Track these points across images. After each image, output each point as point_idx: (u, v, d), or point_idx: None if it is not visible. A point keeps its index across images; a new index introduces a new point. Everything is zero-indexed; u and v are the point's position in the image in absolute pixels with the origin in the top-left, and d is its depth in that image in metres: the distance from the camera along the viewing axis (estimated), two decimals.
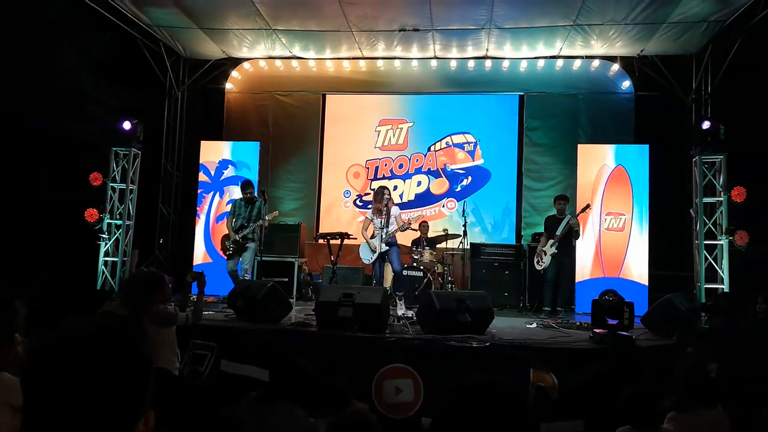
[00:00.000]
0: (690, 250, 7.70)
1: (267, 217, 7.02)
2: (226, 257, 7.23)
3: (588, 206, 7.42)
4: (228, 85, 9.82)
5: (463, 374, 1.38)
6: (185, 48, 9.26)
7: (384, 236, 6.81)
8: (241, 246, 7.13)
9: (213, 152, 8.95)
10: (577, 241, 7.48)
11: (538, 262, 7.34)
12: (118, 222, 8.24)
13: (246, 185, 7.32)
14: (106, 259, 8.11)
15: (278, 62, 9.64)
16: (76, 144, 8.00)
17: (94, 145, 8.25)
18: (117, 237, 8.21)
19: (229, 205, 8.61)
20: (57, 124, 7.83)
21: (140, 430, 0.93)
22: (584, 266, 7.91)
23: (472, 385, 1.29)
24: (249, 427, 2.93)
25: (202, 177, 8.90)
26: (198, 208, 8.85)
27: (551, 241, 7.18)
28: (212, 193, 8.87)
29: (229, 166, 8.87)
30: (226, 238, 7.29)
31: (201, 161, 8.93)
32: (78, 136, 7.91)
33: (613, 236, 7.94)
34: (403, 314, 6.25)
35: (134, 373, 0.92)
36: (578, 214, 7.34)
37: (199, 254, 8.77)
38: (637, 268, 7.82)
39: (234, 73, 9.78)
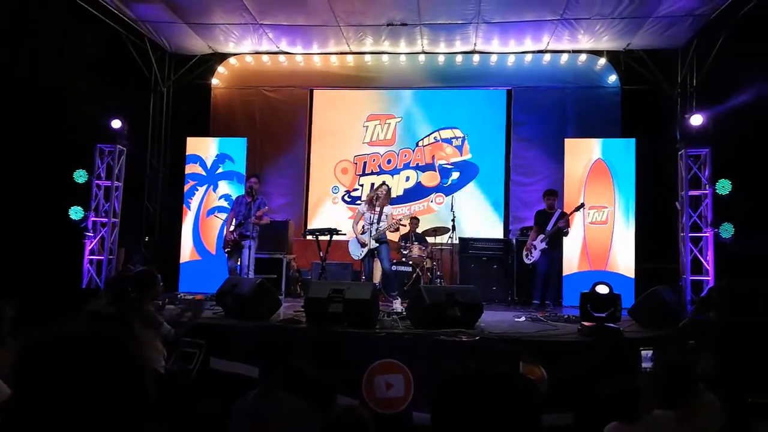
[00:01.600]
0: (676, 242, 7.78)
1: (257, 214, 6.99)
2: (226, 255, 7.19)
3: (582, 205, 7.44)
4: (214, 81, 9.73)
5: (456, 366, 1.38)
6: (170, 43, 9.15)
7: (374, 233, 6.78)
8: (238, 243, 7.07)
9: (200, 148, 8.87)
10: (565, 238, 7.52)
11: (527, 256, 7.38)
12: (104, 220, 8.15)
13: (250, 177, 7.37)
14: (92, 257, 8.02)
15: (265, 57, 9.56)
16: (60, 141, 7.88)
17: (78, 142, 8.14)
18: (102, 235, 8.13)
19: (222, 200, 8.56)
20: (39, 121, 7.71)
21: None
22: (571, 260, 7.96)
23: (470, 373, 1.28)
24: (244, 422, 2.91)
25: (197, 169, 8.78)
26: (189, 200, 8.75)
27: (541, 236, 7.22)
28: (206, 186, 8.77)
29: (226, 160, 8.77)
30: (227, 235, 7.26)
31: (197, 153, 8.82)
32: (61, 132, 7.79)
33: (597, 229, 8.00)
34: (393, 309, 6.27)
35: (130, 374, 0.90)
36: (571, 213, 7.36)
37: (186, 251, 8.69)
38: (623, 260, 7.89)
39: (220, 69, 9.70)
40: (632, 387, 2.86)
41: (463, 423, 1.24)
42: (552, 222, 7.21)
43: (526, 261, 7.39)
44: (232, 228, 7.12)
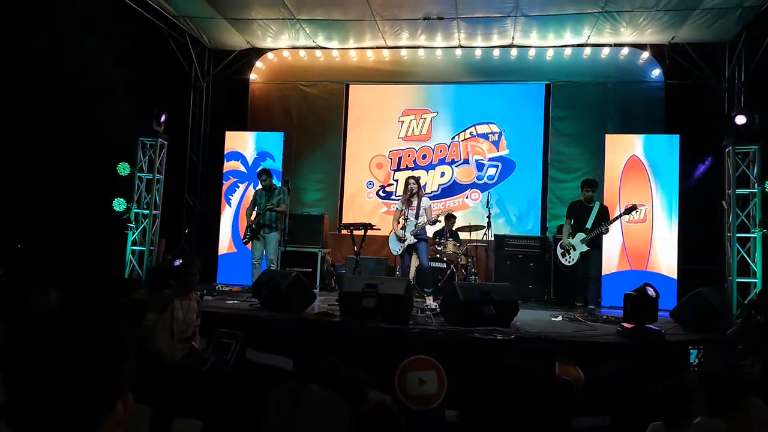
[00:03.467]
0: (721, 243, 7.50)
1: (279, 207, 7.05)
2: (244, 242, 7.35)
3: (635, 207, 6.71)
4: (252, 76, 9.85)
5: (492, 363, 1.35)
6: (210, 38, 9.31)
7: (414, 228, 6.73)
8: (255, 233, 7.17)
9: (238, 142, 9.00)
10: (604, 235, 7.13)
11: (563, 255, 6.79)
12: (145, 212, 8.35)
13: (261, 173, 7.40)
14: (134, 248, 8.24)
15: (302, 52, 9.63)
16: (103, 135, 8.10)
17: (121, 136, 8.36)
18: (144, 226, 8.33)
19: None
20: (85, 115, 7.94)
21: (119, 411, 0.96)
22: (611, 259, 7.77)
23: (504, 371, 1.26)
24: (278, 414, 2.94)
25: (239, 166, 8.93)
26: (230, 196, 8.91)
27: (582, 236, 6.63)
28: (247, 183, 8.89)
29: (267, 158, 8.87)
30: (247, 226, 7.36)
31: (238, 150, 8.96)
32: (105, 126, 8.01)
33: (636, 228, 7.77)
34: (426, 306, 6.24)
35: (103, 350, 0.94)
36: (621, 215, 6.76)
37: (224, 244, 8.85)
38: (665, 260, 7.66)
39: (258, 64, 9.81)
40: (682, 389, 2.77)
41: (493, 420, 1.22)
42: (592, 218, 6.63)
43: (564, 262, 6.80)
44: (248, 217, 7.31)
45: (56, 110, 7.79)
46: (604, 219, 6.64)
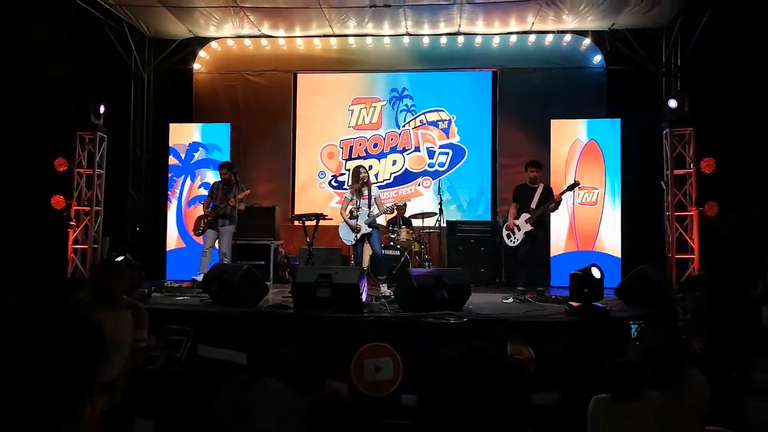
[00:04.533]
0: (662, 222, 7.83)
1: (238, 197, 6.94)
2: (195, 236, 7.21)
3: (577, 183, 6.89)
4: (196, 66, 9.57)
5: (449, 348, 1.34)
6: (150, 27, 8.97)
7: (367, 217, 6.71)
8: (211, 224, 7.04)
9: (183, 135, 8.75)
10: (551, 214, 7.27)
11: (508, 237, 6.89)
12: (86, 209, 8.03)
13: (222, 166, 7.29)
14: (76, 246, 7.92)
15: (247, 41, 9.41)
16: (39, 129, 7.73)
17: (58, 130, 7.99)
18: (86, 224, 8.01)
19: (202, 189, 8.50)
20: (17, 109, 7.55)
21: (86, 417, 0.98)
22: (559, 240, 7.99)
23: (465, 355, 1.26)
24: (230, 407, 2.89)
25: (172, 160, 8.72)
26: (169, 192, 8.69)
27: (526, 216, 6.72)
28: (183, 176, 8.71)
29: (200, 148, 8.70)
30: (199, 218, 7.20)
31: (171, 144, 8.74)
32: (41, 120, 7.64)
33: (587, 210, 8.02)
34: (381, 293, 6.26)
35: (69, 349, 0.96)
36: (564, 192, 6.82)
37: (172, 239, 8.63)
38: (610, 240, 7.93)
39: (202, 53, 9.53)
40: (630, 365, 2.87)
41: (456, 405, 1.22)
42: (536, 198, 6.70)
43: (508, 242, 6.91)
44: (204, 209, 7.17)
45: None
46: (547, 199, 6.71)
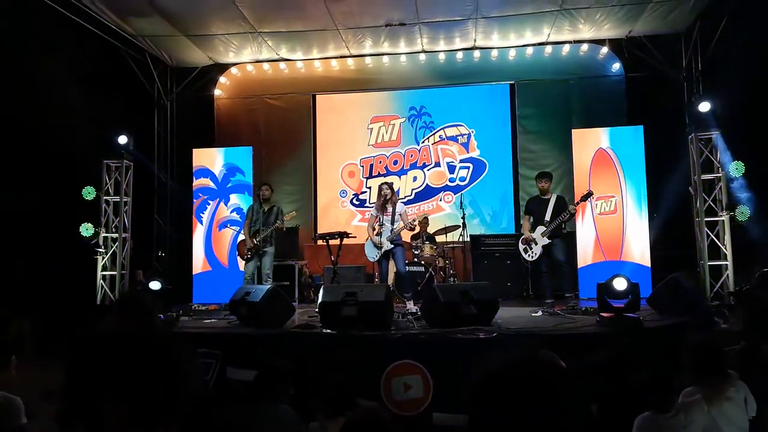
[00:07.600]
0: (691, 228, 7.66)
1: (286, 218, 7.14)
2: (244, 261, 7.26)
3: (590, 194, 6.94)
4: (217, 92, 9.75)
5: (490, 360, 1.26)
6: (171, 56, 9.19)
7: (390, 234, 6.69)
8: (258, 250, 7.11)
9: (206, 159, 8.86)
10: (577, 226, 7.25)
11: (525, 250, 6.89)
12: (114, 235, 8.16)
13: (263, 183, 7.45)
14: (104, 273, 8.04)
15: (266, 65, 9.57)
16: (67, 159, 7.92)
17: (85, 160, 8.18)
18: (114, 250, 8.14)
19: (233, 213, 8.54)
20: (45, 141, 7.75)
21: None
22: (586, 251, 7.85)
23: (511, 364, 1.17)
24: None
25: (208, 183, 8.77)
26: (201, 214, 8.75)
27: (542, 229, 6.75)
28: (217, 200, 8.75)
29: (237, 173, 8.75)
30: (243, 243, 7.25)
31: (207, 167, 8.83)
32: (68, 151, 7.83)
33: (607, 220, 7.86)
34: (407, 310, 6.21)
35: (165, 369, 1.07)
36: (578, 203, 6.92)
37: (198, 263, 8.69)
38: (638, 249, 7.77)
39: (222, 79, 9.71)
40: (662, 376, 2.80)
41: (506, 419, 1.12)
42: (549, 210, 6.75)
43: (525, 257, 6.89)
44: (248, 236, 7.19)
45: (18, 137, 7.59)
46: (562, 209, 6.73)
